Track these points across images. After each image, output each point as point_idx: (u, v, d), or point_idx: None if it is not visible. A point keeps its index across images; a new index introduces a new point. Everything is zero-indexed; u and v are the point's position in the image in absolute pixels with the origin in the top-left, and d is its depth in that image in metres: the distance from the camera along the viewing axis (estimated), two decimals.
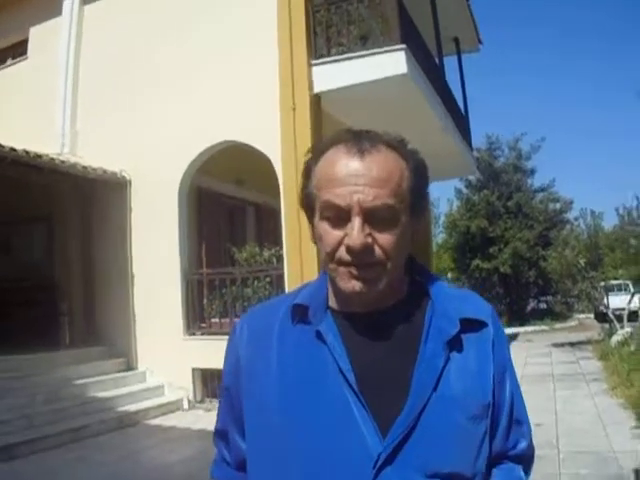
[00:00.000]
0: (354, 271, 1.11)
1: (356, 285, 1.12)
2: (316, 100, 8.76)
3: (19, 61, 11.41)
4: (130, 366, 9.62)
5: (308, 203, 1.19)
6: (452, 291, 1.28)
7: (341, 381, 1.13)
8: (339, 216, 1.11)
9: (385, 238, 1.11)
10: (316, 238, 1.18)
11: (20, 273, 9.98)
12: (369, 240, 1.10)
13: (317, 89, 8.73)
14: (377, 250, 1.11)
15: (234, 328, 1.33)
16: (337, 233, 1.11)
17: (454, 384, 1.14)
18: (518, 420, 1.28)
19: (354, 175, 1.10)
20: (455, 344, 1.17)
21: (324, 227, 1.13)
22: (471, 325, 1.20)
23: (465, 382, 1.15)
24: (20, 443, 6.66)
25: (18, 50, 11.48)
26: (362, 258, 1.10)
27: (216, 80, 9.22)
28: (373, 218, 1.10)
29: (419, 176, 1.18)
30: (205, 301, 9.46)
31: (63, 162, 9.29)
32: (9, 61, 11.69)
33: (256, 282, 9.13)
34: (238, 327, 1.31)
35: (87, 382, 8.62)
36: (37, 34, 11.18)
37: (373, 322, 1.18)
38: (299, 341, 1.20)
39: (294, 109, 8.57)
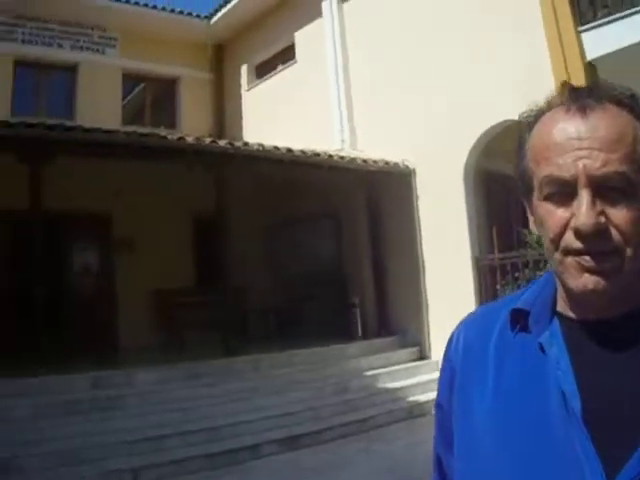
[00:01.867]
0: (586, 262, 0.86)
1: (589, 281, 0.86)
2: (591, 69, 8.13)
3: (289, 66, 11.97)
4: (423, 355, 9.62)
5: (524, 182, 0.96)
6: None
7: (563, 407, 0.89)
8: (563, 192, 0.88)
9: (621, 216, 0.85)
10: (537, 224, 0.95)
11: (311, 269, 10.40)
12: (602, 219, 0.85)
13: (589, 57, 8.11)
14: (613, 232, 0.86)
15: (450, 337, 1.14)
16: (562, 214, 0.88)
17: None
18: None
19: (576, 138, 0.87)
20: None
21: (546, 207, 0.91)
22: None
23: None
24: (306, 434, 6.87)
25: (287, 56, 12.09)
26: (595, 244, 0.85)
27: (485, 60, 8.94)
28: (604, 191, 0.85)
29: None
30: (498, 287, 9.17)
31: (342, 158, 9.48)
32: (279, 67, 12.32)
33: (549, 265, 8.62)
34: (455, 337, 1.12)
35: (377, 373, 8.69)
36: (302, 38, 11.65)
37: (608, 332, 0.91)
38: (519, 355, 0.97)
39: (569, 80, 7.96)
